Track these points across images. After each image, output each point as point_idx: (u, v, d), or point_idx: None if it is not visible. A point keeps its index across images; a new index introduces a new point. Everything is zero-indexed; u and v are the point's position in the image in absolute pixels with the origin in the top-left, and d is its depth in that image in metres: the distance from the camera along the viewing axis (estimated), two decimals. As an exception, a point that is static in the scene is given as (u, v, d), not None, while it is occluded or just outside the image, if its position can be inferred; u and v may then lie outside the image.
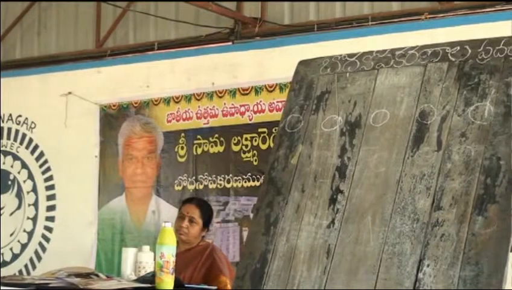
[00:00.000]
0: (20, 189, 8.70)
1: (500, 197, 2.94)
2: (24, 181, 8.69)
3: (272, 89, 7.24)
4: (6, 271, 8.04)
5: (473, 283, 2.86)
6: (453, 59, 3.28)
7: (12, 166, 8.78)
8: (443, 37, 5.00)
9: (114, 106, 8.15)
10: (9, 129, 8.83)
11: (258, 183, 7.06)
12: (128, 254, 4.53)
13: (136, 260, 4.47)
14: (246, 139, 7.34)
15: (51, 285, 6.19)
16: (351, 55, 3.54)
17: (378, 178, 3.21)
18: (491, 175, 2.99)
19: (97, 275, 4.34)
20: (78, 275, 4.24)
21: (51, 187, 8.48)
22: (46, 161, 8.54)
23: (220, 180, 7.43)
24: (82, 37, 8.60)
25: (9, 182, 8.76)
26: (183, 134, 7.70)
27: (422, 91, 3.28)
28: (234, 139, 7.40)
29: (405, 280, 2.99)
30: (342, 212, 3.24)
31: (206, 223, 5.11)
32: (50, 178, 8.50)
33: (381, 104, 3.35)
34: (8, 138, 8.82)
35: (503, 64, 3.16)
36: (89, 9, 8.53)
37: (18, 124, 8.78)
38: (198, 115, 7.63)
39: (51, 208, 8.45)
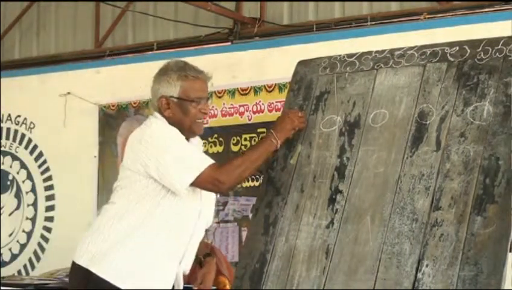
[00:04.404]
0: (19, 189, 8.70)
1: (499, 197, 2.94)
2: (23, 181, 8.68)
3: (271, 89, 7.24)
4: (5, 271, 8.04)
5: (472, 283, 2.86)
6: (452, 59, 3.28)
7: (11, 166, 8.77)
8: (442, 37, 5.00)
9: (113, 106, 8.16)
10: (8, 129, 8.83)
11: (257, 184, 7.05)
12: (128, 254, 4.51)
13: (135, 260, 4.45)
14: (245, 139, 7.34)
15: (49, 285, 6.20)
16: (350, 56, 3.54)
17: (377, 178, 3.21)
18: (490, 175, 2.99)
19: (96, 275, 4.32)
20: (77, 275, 4.22)
21: (50, 187, 8.48)
22: (45, 161, 8.54)
23: (219, 180, 7.42)
24: (81, 37, 8.59)
25: (8, 182, 8.76)
26: (182, 134, 7.70)
27: (421, 91, 3.28)
28: (233, 140, 7.40)
29: (404, 280, 2.99)
30: (341, 213, 3.24)
31: (204, 223, 5.09)
32: (49, 178, 8.50)
33: (380, 104, 3.35)
34: (7, 138, 8.82)
35: (502, 64, 3.16)
36: (88, 9, 8.53)
37: (17, 124, 8.78)
38: (198, 115, 7.62)
39: (50, 208, 8.45)
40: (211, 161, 3.28)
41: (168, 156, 3.25)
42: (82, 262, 3.32)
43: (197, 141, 3.49)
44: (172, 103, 3.36)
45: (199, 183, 3.27)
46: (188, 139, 3.38)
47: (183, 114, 3.36)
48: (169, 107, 3.37)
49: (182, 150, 3.28)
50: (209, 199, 3.50)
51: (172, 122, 3.36)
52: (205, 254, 3.61)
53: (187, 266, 3.44)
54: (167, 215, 3.30)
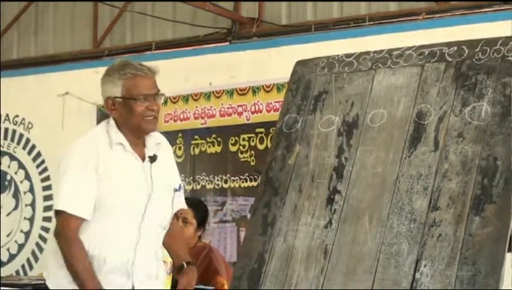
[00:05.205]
0: (17, 189, 8.69)
1: (497, 197, 2.95)
2: (21, 181, 8.68)
3: (269, 89, 7.24)
4: (3, 272, 8.03)
5: (470, 283, 2.86)
6: (450, 59, 3.28)
7: (9, 166, 8.77)
8: (440, 37, 5.00)
9: (111, 106, 8.15)
10: (6, 129, 8.82)
11: (255, 184, 7.05)
12: (126, 254, 4.51)
13: (133, 261, 4.45)
14: (244, 139, 7.33)
15: (48, 285, 6.16)
16: (348, 56, 3.54)
17: (376, 178, 3.22)
18: (488, 175, 2.99)
19: (94, 276, 4.32)
20: (75, 275, 4.23)
21: (48, 187, 8.47)
22: (43, 161, 8.53)
23: (218, 180, 7.43)
24: (79, 37, 8.59)
25: (6, 183, 8.75)
26: (180, 134, 7.69)
27: (419, 91, 3.28)
28: (232, 140, 7.40)
29: (402, 280, 2.99)
30: (339, 213, 3.24)
31: (201, 223, 5.09)
32: (47, 178, 8.49)
33: (379, 104, 3.35)
34: (5, 138, 8.81)
35: (500, 64, 3.16)
36: (86, 9, 8.52)
37: (15, 125, 8.77)
38: (196, 115, 7.63)
39: (48, 208, 8.44)
40: (80, 211, 3.23)
41: (65, 177, 3.27)
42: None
43: (156, 139, 3.44)
44: (117, 104, 3.35)
45: (56, 217, 3.28)
46: (139, 138, 3.36)
47: (129, 113, 3.34)
48: (115, 108, 3.36)
49: (73, 181, 3.25)
50: (157, 203, 3.42)
51: (120, 123, 3.35)
52: (188, 261, 3.56)
53: (141, 267, 3.36)
54: (99, 227, 3.27)
